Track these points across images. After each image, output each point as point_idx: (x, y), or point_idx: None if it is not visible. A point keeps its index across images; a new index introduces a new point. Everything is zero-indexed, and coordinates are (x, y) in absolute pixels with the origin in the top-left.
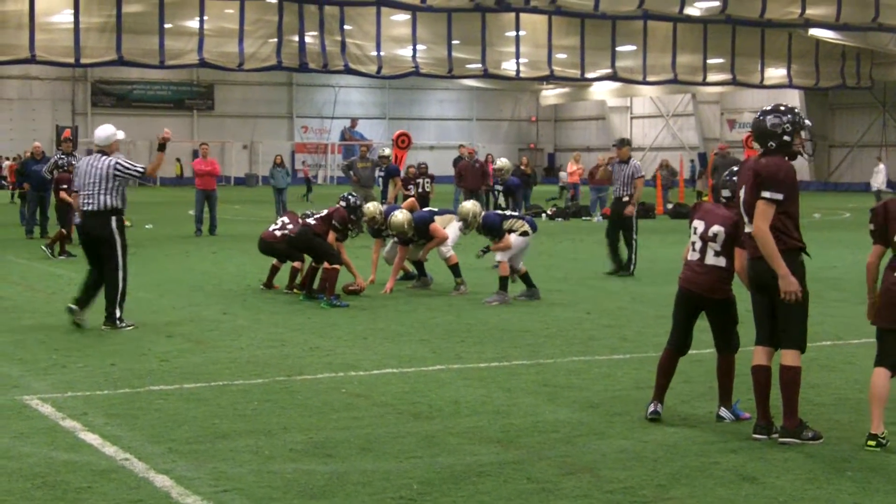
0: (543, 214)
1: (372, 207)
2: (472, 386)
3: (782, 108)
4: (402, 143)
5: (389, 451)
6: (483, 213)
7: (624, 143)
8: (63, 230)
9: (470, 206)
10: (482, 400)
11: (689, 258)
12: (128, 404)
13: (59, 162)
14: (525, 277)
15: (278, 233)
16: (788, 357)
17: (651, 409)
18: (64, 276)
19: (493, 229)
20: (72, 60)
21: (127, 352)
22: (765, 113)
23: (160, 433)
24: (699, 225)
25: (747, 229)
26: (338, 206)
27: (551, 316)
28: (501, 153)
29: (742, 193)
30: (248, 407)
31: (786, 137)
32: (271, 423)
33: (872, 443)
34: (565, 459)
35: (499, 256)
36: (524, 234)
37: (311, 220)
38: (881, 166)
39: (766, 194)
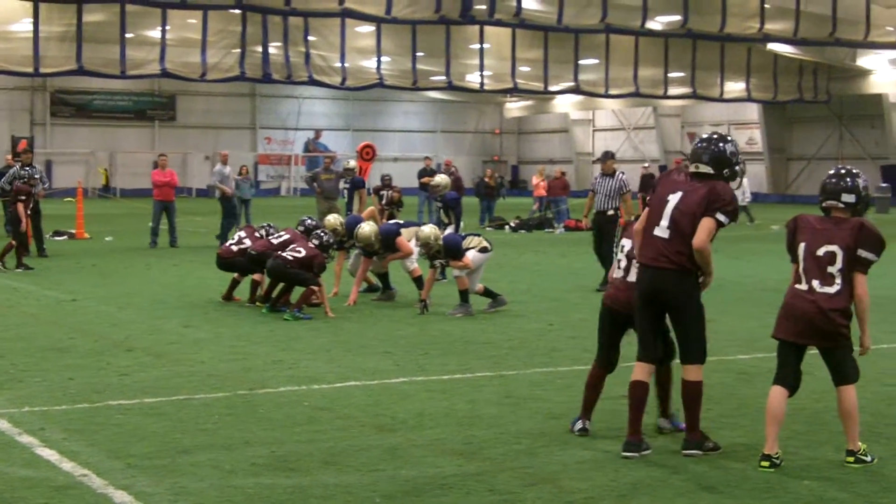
0: (507, 226)
1: (333, 220)
2: (436, 398)
3: (727, 136)
4: (367, 154)
5: (352, 465)
6: (443, 235)
7: (608, 156)
8: (13, 242)
9: (429, 230)
10: (445, 412)
11: (614, 276)
12: (86, 419)
13: (21, 174)
14: (485, 293)
15: (235, 248)
16: (691, 372)
17: (579, 426)
18: (21, 290)
19: (454, 250)
20: (31, 70)
21: (86, 366)
22: (720, 140)
23: (119, 448)
24: (627, 243)
25: (659, 233)
26: (311, 247)
27: (514, 327)
28: (465, 165)
29: (674, 199)
30: (209, 421)
31: (737, 167)
32: (233, 437)
33: (766, 463)
34: (527, 470)
35: (456, 272)
36: (483, 249)
37: (287, 256)
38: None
39: (721, 217)
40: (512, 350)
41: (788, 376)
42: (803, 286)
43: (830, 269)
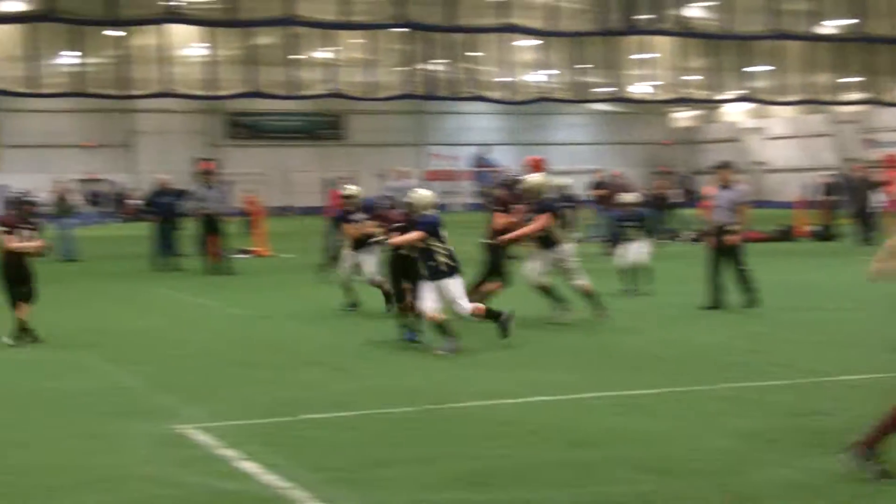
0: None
1: None
2: (624, 413)
3: None
4: (536, 168)
5: (545, 480)
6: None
7: (725, 166)
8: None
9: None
10: (634, 427)
11: None
12: (282, 433)
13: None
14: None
15: None
16: None
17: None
18: (206, 306)
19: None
20: (207, 93)
21: (275, 380)
22: None
23: (317, 461)
24: None
25: None
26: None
27: (688, 340)
28: (634, 177)
29: None
30: (399, 435)
31: None
32: (424, 451)
33: None
34: (727, 489)
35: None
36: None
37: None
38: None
39: None
40: (694, 364)
41: None
42: None
43: None
